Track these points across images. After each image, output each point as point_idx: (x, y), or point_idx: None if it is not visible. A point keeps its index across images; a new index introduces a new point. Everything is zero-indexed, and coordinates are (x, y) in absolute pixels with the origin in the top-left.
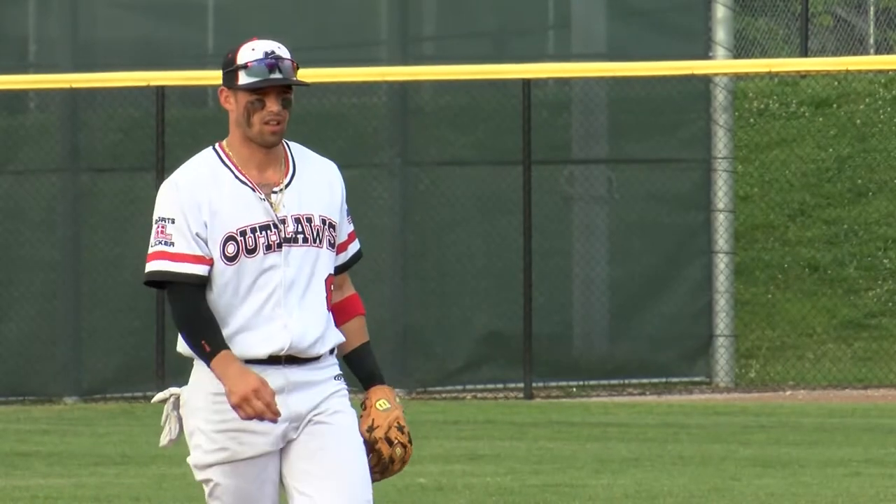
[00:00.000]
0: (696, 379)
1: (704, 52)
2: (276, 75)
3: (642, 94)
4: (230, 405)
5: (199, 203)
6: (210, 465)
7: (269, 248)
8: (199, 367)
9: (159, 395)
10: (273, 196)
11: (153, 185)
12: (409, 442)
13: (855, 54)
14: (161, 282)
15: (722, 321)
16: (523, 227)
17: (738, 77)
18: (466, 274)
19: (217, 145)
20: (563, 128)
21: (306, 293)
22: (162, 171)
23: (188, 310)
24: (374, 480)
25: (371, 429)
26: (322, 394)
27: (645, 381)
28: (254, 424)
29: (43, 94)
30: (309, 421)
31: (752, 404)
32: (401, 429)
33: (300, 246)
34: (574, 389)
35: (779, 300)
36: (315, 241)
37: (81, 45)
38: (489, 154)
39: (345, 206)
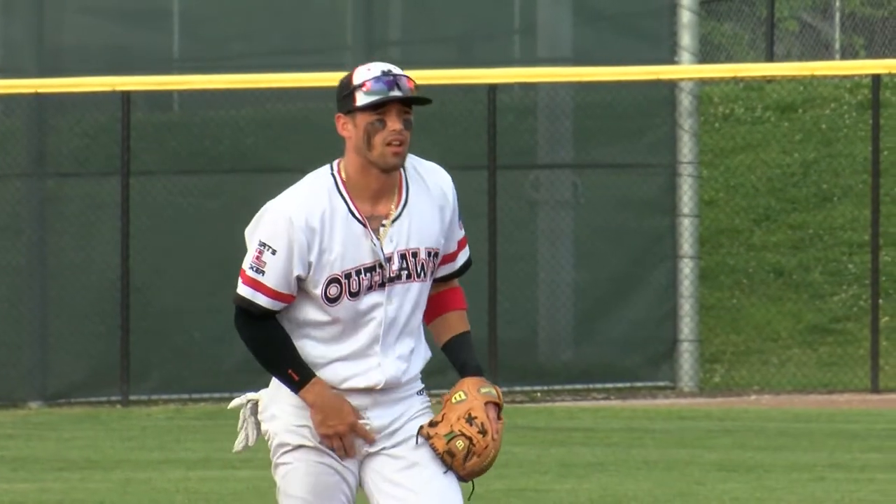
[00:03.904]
0: (661, 383)
1: (670, 57)
2: (396, 93)
3: (608, 98)
4: (319, 431)
5: (308, 243)
6: (296, 448)
7: (370, 288)
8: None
9: (235, 401)
10: (381, 229)
11: (119, 190)
12: (482, 432)
13: (820, 59)
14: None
15: (686, 326)
16: (489, 232)
17: (703, 82)
18: None
19: (335, 169)
20: (528, 132)
21: (404, 328)
22: (127, 175)
23: (264, 333)
24: (461, 480)
25: (434, 423)
26: (403, 410)
27: (609, 385)
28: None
29: (8, 99)
30: (391, 447)
31: (716, 409)
32: (470, 420)
33: (403, 283)
34: (539, 394)
35: (744, 305)
36: (418, 276)
37: (47, 50)
38: (455, 159)
39: (457, 214)
